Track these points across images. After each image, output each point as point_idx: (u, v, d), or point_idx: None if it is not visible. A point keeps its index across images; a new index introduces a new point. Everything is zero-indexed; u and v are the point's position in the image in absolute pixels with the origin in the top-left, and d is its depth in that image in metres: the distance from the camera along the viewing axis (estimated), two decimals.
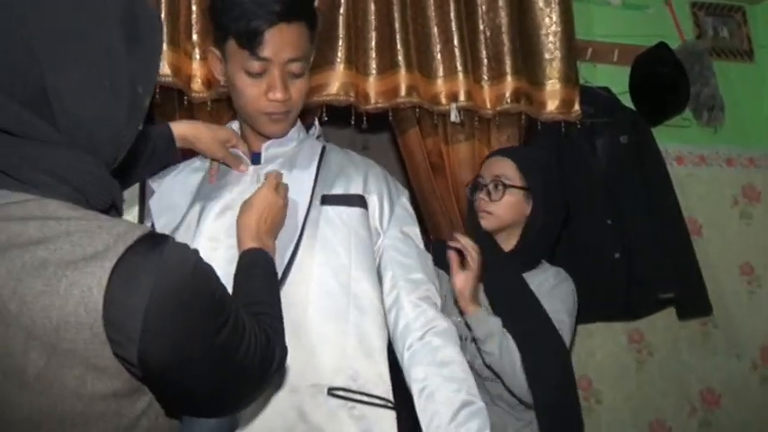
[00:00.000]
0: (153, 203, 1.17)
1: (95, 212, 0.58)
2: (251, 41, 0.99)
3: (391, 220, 1.15)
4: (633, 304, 1.88)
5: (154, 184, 1.20)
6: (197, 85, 1.55)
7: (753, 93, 2.23)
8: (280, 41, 0.99)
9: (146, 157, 1.08)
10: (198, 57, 1.56)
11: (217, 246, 1.05)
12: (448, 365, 1.02)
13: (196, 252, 0.62)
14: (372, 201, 1.14)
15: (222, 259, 1.01)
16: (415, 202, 1.81)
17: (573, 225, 1.86)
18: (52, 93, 0.55)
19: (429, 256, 1.18)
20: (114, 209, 0.65)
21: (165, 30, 1.49)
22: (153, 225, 1.17)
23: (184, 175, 1.19)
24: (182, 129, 1.13)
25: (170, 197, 1.16)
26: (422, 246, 1.18)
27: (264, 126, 1.10)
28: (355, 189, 1.14)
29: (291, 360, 0.98)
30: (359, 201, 1.13)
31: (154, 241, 0.57)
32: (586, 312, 1.86)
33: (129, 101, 0.62)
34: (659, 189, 1.95)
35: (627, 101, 2.04)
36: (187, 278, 0.58)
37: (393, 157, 2.06)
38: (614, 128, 1.96)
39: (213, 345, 0.62)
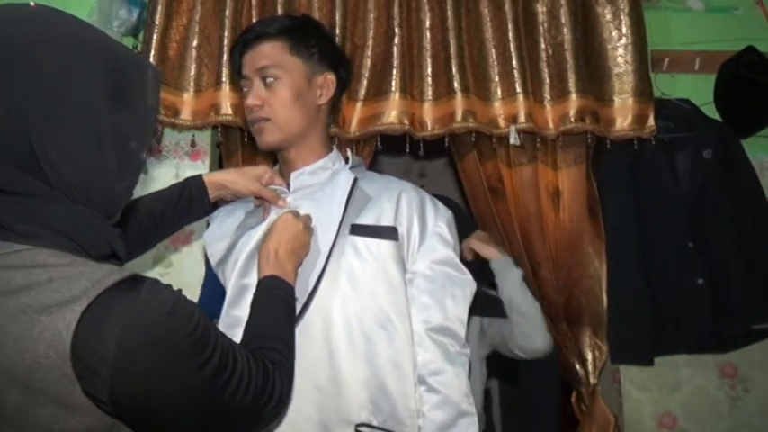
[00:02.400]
0: (207, 235, 1.25)
1: (85, 260, 0.62)
2: (234, 67, 1.21)
3: (419, 252, 1.12)
4: (722, 335, 1.71)
5: (211, 217, 1.27)
6: None
7: None
8: (250, 58, 1.15)
9: (182, 206, 1.15)
10: None
11: (251, 277, 1.08)
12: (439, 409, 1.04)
13: (177, 293, 0.64)
14: (402, 232, 1.12)
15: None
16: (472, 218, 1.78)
17: (650, 249, 1.74)
18: (40, 154, 0.60)
19: (463, 282, 1.13)
20: (115, 257, 0.69)
21: (224, 74, 1.58)
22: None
23: (235, 209, 1.25)
24: (213, 176, 1.20)
25: (221, 229, 1.22)
26: (456, 271, 1.13)
27: (256, 137, 1.17)
28: (387, 220, 1.13)
29: (319, 394, 1.00)
30: (390, 233, 1.12)
31: (132, 284, 0.60)
32: (669, 343, 1.73)
33: (118, 156, 0.66)
34: (750, 206, 1.77)
35: (711, 112, 1.87)
36: (161, 319, 0.60)
37: (451, 183, 2.03)
38: (696, 142, 1.81)
39: (193, 382, 0.64)
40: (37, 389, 0.56)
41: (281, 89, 1.12)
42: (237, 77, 1.21)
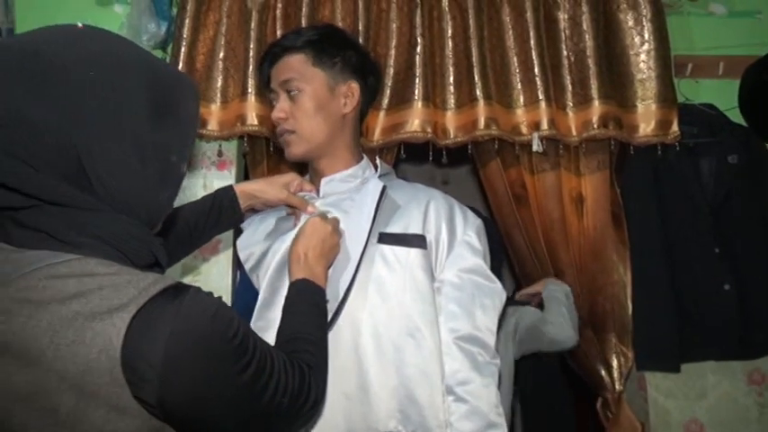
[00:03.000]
0: (240, 241, 1.26)
1: (130, 269, 0.65)
2: (263, 80, 1.23)
3: (447, 261, 1.12)
4: (750, 342, 1.69)
5: (245, 225, 1.29)
6: None
7: None
8: (275, 72, 1.17)
9: (213, 217, 1.17)
10: None
11: (282, 281, 1.10)
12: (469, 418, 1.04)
13: (218, 299, 0.67)
14: (430, 240, 1.12)
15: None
16: (499, 233, 1.79)
17: (676, 255, 1.74)
18: (88, 167, 0.63)
19: (493, 292, 1.12)
20: (158, 266, 0.72)
21: (250, 85, 1.61)
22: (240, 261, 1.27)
23: (268, 216, 1.26)
24: (243, 186, 1.22)
25: (253, 236, 1.24)
26: (485, 280, 1.12)
27: (284, 149, 1.19)
28: (415, 228, 1.13)
29: (347, 402, 1.02)
30: (418, 240, 1.11)
31: (176, 292, 0.63)
32: (696, 349, 1.72)
33: (159, 169, 0.68)
34: None
35: (736, 117, 1.86)
36: (205, 325, 0.63)
37: (474, 191, 2.04)
38: (721, 147, 1.81)
39: (235, 386, 0.66)
40: (89, 392, 0.58)
41: (304, 100, 1.14)
42: (266, 91, 1.23)
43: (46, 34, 0.65)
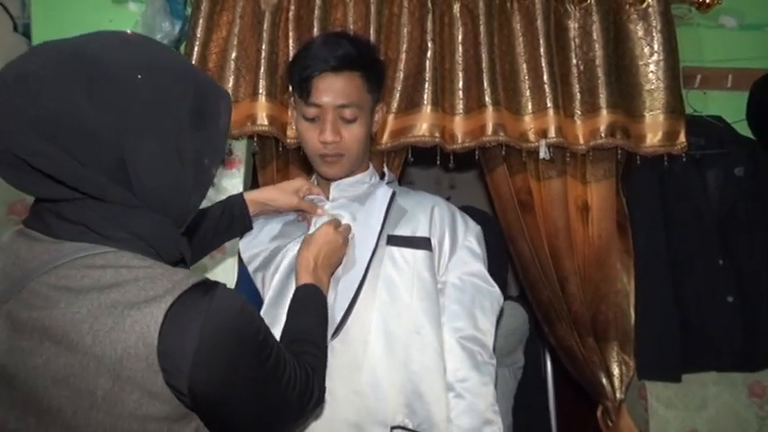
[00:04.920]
0: (242, 244, 1.29)
1: (162, 263, 0.69)
2: (304, 89, 1.11)
3: (450, 264, 1.17)
4: (751, 354, 1.70)
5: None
6: (292, 132, 1.67)
7: None
8: (329, 89, 1.10)
9: (223, 224, 1.20)
10: None
11: (291, 281, 1.12)
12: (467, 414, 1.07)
13: (242, 296, 0.71)
14: (435, 244, 1.17)
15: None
16: (504, 240, 1.80)
17: (680, 266, 1.74)
18: (130, 166, 0.66)
19: (492, 295, 1.17)
20: (183, 262, 0.76)
21: (261, 86, 1.63)
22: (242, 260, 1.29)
23: (273, 218, 1.29)
24: (254, 195, 1.24)
25: (258, 237, 1.27)
26: (485, 283, 1.17)
27: (320, 167, 1.19)
28: (422, 231, 1.17)
29: (357, 398, 1.05)
30: (424, 243, 1.16)
31: (206, 287, 0.67)
32: (698, 360, 1.73)
33: (194, 171, 0.72)
34: None
35: (743, 129, 1.87)
36: (233, 319, 0.67)
37: (481, 196, 2.05)
38: (728, 159, 1.81)
39: (256, 378, 0.70)
40: (125, 377, 0.61)
41: (358, 128, 1.14)
42: (303, 103, 1.13)
43: (98, 39, 0.68)
